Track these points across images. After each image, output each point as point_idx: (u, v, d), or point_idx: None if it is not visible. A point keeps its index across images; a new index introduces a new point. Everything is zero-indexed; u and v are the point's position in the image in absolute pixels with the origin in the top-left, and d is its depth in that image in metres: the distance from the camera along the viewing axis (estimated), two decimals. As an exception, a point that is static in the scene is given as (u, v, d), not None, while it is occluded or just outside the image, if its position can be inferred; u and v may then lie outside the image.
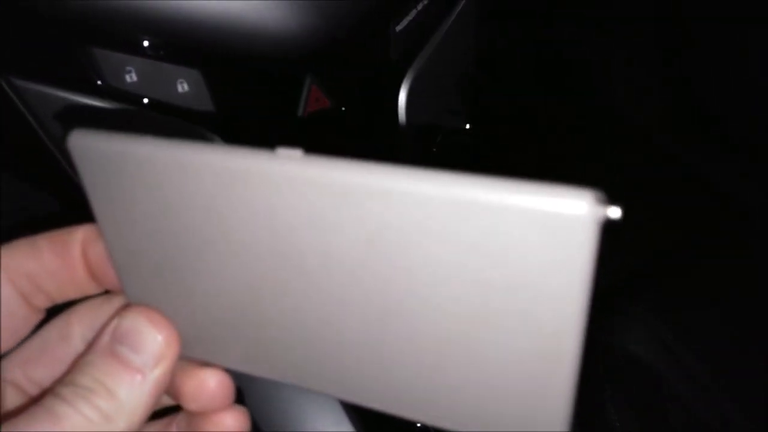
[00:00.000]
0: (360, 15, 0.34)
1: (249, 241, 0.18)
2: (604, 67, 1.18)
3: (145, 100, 0.34)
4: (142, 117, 0.34)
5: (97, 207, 0.20)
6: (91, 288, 0.23)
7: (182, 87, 0.34)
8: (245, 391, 0.39)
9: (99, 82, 0.33)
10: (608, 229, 0.14)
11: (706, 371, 0.54)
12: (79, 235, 0.22)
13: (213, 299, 0.20)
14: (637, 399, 0.55)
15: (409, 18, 0.36)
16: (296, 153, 0.16)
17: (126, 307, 0.21)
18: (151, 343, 0.20)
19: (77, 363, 0.20)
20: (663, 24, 1.07)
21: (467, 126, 0.39)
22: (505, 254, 0.15)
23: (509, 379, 0.17)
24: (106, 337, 0.20)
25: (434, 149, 0.39)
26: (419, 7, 0.37)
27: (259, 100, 0.36)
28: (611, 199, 0.14)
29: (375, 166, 0.16)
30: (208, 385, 0.22)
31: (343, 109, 0.37)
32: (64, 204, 0.43)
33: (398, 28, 0.36)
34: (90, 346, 0.21)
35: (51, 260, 0.22)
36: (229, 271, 0.19)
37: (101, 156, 0.18)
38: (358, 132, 0.38)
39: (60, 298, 0.23)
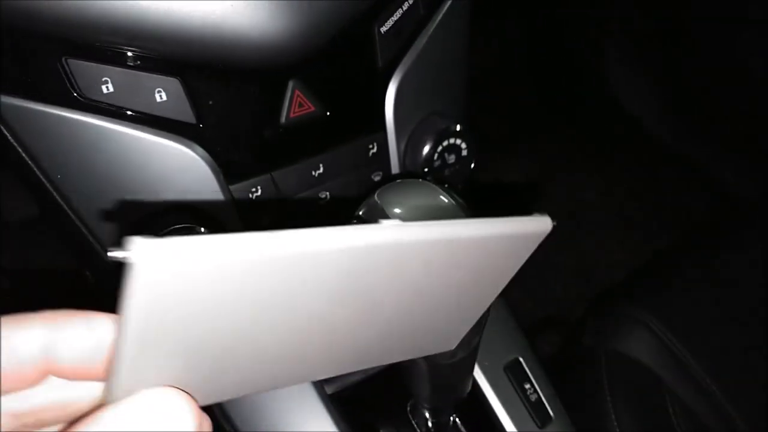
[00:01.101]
0: (342, 18, 0.33)
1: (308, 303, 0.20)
2: (605, 68, 1.18)
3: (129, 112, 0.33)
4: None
5: (133, 308, 0.18)
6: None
7: (161, 96, 0.33)
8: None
9: (75, 94, 0.32)
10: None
11: (707, 374, 0.54)
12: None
13: (221, 362, 0.21)
14: (639, 403, 0.54)
15: (393, 19, 0.35)
16: (395, 222, 0.20)
17: (159, 388, 0.20)
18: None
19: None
20: (662, 24, 1.07)
21: (458, 127, 0.38)
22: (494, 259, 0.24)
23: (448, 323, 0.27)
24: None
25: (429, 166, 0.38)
26: (404, 7, 0.36)
27: (240, 107, 0.35)
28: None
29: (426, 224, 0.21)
30: None
31: (328, 113, 0.36)
32: (39, 205, 0.42)
33: (383, 29, 0.35)
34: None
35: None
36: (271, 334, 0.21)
37: (162, 261, 0.17)
38: (343, 136, 0.37)
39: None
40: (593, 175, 1.17)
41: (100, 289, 0.42)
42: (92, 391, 0.22)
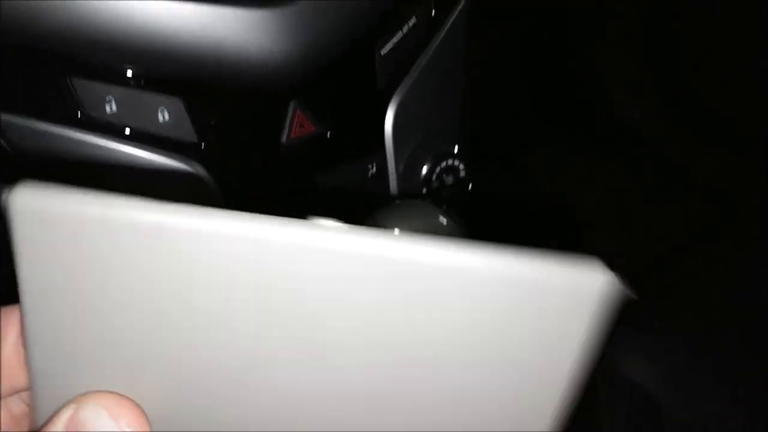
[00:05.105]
0: (344, 41, 0.34)
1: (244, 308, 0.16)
2: (602, 74, 1.18)
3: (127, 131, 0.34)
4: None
5: (26, 277, 0.16)
6: None
7: (163, 116, 0.34)
8: None
9: (78, 113, 0.33)
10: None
11: (709, 399, 0.53)
12: None
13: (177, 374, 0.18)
14: (637, 428, 0.53)
15: (393, 41, 0.36)
16: (334, 223, 0.16)
17: (86, 394, 0.18)
18: None
19: None
20: (661, 29, 1.07)
21: (456, 149, 0.39)
22: (516, 320, 0.16)
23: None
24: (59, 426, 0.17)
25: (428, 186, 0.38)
26: (404, 29, 0.36)
27: (242, 127, 0.35)
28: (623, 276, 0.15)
29: (401, 240, 0.16)
30: None
31: (329, 134, 0.36)
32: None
33: (383, 51, 0.36)
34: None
35: None
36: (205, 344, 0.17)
37: (51, 216, 0.15)
38: (343, 157, 0.38)
39: None
40: (592, 181, 1.17)
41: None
42: None
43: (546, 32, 1.26)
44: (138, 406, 0.18)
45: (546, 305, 0.15)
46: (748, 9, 0.93)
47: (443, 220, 0.33)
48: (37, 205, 0.15)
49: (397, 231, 0.33)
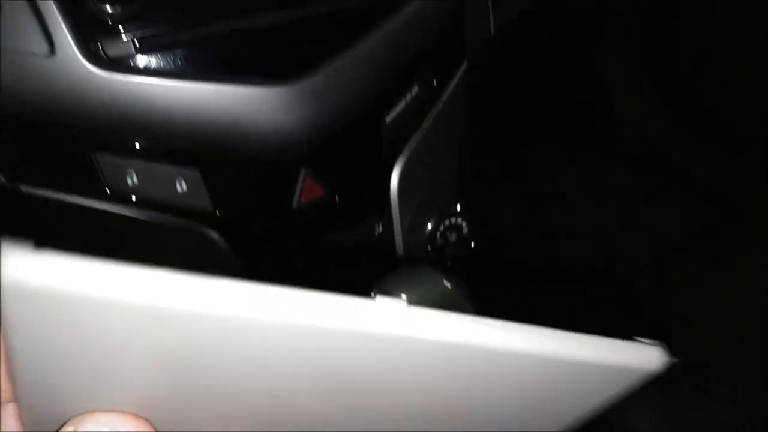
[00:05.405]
0: (350, 113, 0.35)
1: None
2: (602, 75, 1.17)
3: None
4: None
5: (15, 346, 0.15)
6: None
7: (181, 186, 0.36)
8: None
9: (102, 186, 0.35)
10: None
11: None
12: None
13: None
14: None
15: (398, 109, 0.38)
16: (400, 304, 0.16)
17: (85, 413, 0.18)
18: None
19: None
20: (656, 28, 1.06)
21: (458, 207, 0.40)
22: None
23: None
24: None
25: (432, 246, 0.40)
26: (408, 98, 0.38)
27: (255, 194, 0.37)
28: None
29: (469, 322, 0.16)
30: None
31: (337, 197, 0.38)
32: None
33: (388, 119, 0.38)
34: None
35: None
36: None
37: (46, 289, 0.13)
38: (351, 218, 0.40)
39: None
40: (592, 181, 1.17)
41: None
42: None
43: (546, 32, 1.26)
44: (141, 417, 0.18)
45: (602, 382, 0.18)
46: (748, 9, 0.93)
47: (447, 284, 0.35)
48: (32, 277, 0.13)
49: (404, 296, 0.35)
